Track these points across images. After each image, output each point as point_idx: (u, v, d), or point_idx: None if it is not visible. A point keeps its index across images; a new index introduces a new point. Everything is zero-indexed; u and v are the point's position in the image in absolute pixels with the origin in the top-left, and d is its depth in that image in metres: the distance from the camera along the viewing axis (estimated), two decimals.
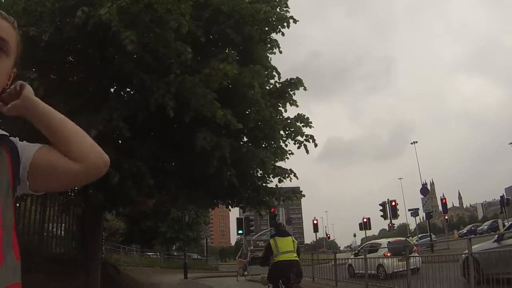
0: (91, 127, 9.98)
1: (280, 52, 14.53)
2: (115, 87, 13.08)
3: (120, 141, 11.42)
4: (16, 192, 1.60)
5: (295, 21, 13.66)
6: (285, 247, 11.29)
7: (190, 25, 10.68)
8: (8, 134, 1.64)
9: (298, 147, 15.14)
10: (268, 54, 14.75)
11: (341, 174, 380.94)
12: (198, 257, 66.69)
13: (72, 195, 13.42)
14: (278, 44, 14.41)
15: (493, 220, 68.95)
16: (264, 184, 15.76)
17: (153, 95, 10.47)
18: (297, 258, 11.63)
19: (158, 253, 53.95)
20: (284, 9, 14.34)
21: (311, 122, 15.08)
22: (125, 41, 9.40)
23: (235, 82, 11.38)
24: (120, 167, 10.68)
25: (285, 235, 11.82)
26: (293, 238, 12.03)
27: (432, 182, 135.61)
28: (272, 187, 16.15)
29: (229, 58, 11.74)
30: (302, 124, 15.03)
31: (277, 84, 14.97)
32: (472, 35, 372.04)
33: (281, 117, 14.96)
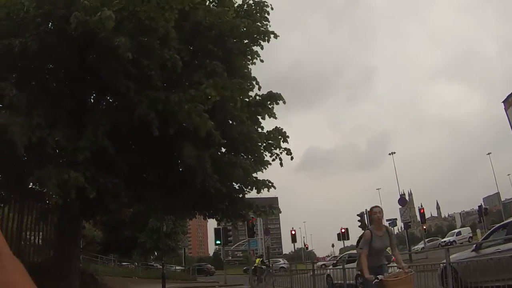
0: (78, 152, 10.07)
1: (262, 61, 14.61)
2: (94, 95, 13.05)
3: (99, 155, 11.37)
4: None
5: (275, 36, 13.77)
6: None
7: (174, 35, 10.74)
8: None
9: (273, 160, 15.22)
10: (248, 65, 14.83)
11: (320, 184, 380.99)
12: (176, 268, 66.16)
13: (49, 203, 13.31)
14: (259, 55, 14.49)
15: (456, 230, 69.59)
16: (241, 196, 15.75)
17: (136, 108, 10.49)
18: None
19: (136, 263, 53.53)
20: (265, 23, 14.46)
21: (288, 136, 15.19)
22: (121, 49, 9.42)
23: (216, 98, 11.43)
24: (97, 181, 10.70)
25: None
26: None
27: (410, 192, 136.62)
28: (249, 199, 16.17)
29: (219, 70, 11.83)
30: (280, 137, 15.12)
31: (257, 96, 15.02)
32: (451, 43, 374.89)
33: (259, 129, 15.03)
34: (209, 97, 10.77)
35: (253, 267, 35.58)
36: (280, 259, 71.70)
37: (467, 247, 14.65)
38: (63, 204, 10.79)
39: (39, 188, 11.92)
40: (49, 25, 10.74)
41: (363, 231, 9.27)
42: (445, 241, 58.06)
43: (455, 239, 57.97)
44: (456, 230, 68.17)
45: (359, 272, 9.71)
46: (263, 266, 33.28)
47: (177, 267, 67.68)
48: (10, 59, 9.75)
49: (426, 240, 59.90)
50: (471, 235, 58.70)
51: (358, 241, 9.52)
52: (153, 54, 10.71)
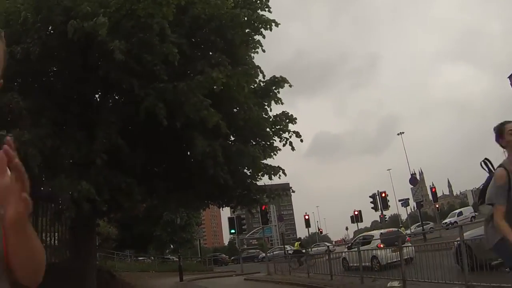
0: (94, 156, 10.16)
1: (263, 51, 14.59)
2: (99, 93, 13.10)
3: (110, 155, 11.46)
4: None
5: (277, 24, 13.73)
6: None
7: (170, 32, 10.75)
8: None
9: (284, 144, 15.26)
10: (251, 54, 14.82)
11: (330, 168, 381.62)
12: (193, 259, 66.33)
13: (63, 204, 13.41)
14: (261, 44, 14.46)
15: (458, 211, 64.66)
16: (254, 182, 15.80)
17: (142, 102, 10.54)
18: None
19: (152, 257, 53.76)
20: (266, 9, 14.42)
21: (295, 118, 15.21)
22: (115, 52, 9.46)
23: (224, 84, 11.43)
24: (111, 182, 10.80)
25: None
26: None
27: (421, 171, 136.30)
28: (261, 185, 16.21)
29: (223, 62, 11.85)
30: (287, 120, 15.14)
31: (261, 83, 15.02)
32: (454, 24, 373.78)
33: (267, 115, 15.05)
34: (216, 82, 10.78)
35: (292, 251, 35.59)
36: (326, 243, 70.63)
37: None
38: (76, 205, 10.86)
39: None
40: (49, 28, 10.79)
41: (496, 170, 5.15)
42: (446, 222, 56.47)
43: (456, 219, 55.18)
44: (457, 211, 63.50)
45: (493, 246, 5.00)
46: (302, 249, 33.42)
47: (193, 258, 67.96)
48: (13, 66, 9.81)
49: (415, 225, 58.56)
50: (473, 214, 54.31)
51: (482, 193, 5.47)
52: (154, 50, 10.75)
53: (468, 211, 58.69)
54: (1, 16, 10.49)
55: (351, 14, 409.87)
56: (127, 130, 11.35)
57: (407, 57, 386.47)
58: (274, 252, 54.98)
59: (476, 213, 50.58)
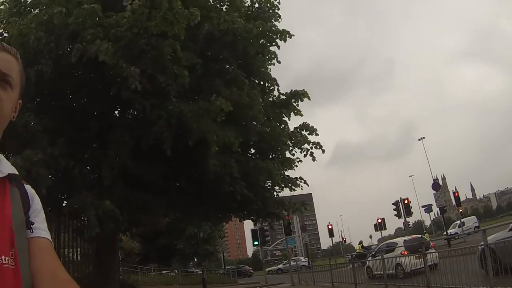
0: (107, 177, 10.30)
1: (279, 62, 14.60)
2: (118, 109, 13.23)
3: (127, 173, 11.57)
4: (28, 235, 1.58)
5: (290, 35, 13.76)
6: None
7: (181, 54, 10.85)
8: (18, 174, 1.65)
9: (305, 156, 15.25)
10: (267, 66, 14.87)
11: (353, 176, 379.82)
12: (217, 271, 66.37)
13: (85, 220, 13.52)
14: (276, 55, 14.48)
15: (459, 222, 53.26)
16: (274, 195, 15.78)
17: (153, 126, 10.67)
18: None
19: (176, 271, 53.86)
20: (278, 19, 14.49)
21: (316, 130, 15.20)
22: (130, 80, 9.58)
23: (235, 104, 11.50)
24: (129, 199, 10.91)
25: None
26: None
27: (443, 176, 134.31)
28: (282, 197, 16.20)
29: (239, 77, 11.96)
30: (308, 132, 15.14)
31: (281, 95, 15.09)
32: (469, 23, 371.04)
33: (286, 127, 15.07)
34: (223, 109, 10.85)
35: (354, 254, 35.57)
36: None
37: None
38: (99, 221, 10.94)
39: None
40: (65, 51, 10.94)
41: None
42: (450, 233, 47.99)
43: (457, 231, 48.50)
44: (458, 222, 54.27)
45: None
46: (365, 251, 33.42)
47: (217, 271, 68.04)
48: (29, 88, 9.97)
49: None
50: (477, 224, 52.58)
51: None
52: (166, 70, 10.84)
53: (471, 221, 55.59)
54: (16, 39, 10.65)
55: (365, 18, 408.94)
56: (140, 148, 11.42)
57: (424, 57, 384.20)
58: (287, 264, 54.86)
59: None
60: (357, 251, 36.15)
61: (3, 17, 11.30)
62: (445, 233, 49.17)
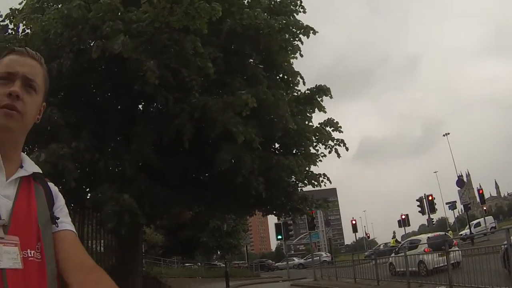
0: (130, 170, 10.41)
1: (301, 55, 14.53)
2: (143, 104, 13.31)
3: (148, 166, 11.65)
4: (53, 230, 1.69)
5: (314, 32, 13.70)
6: None
7: (202, 50, 10.86)
8: (42, 172, 1.76)
9: (329, 152, 15.21)
10: (290, 60, 14.82)
11: (376, 172, 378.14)
12: (239, 264, 66.62)
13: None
14: (299, 49, 14.41)
15: (475, 221, 52.09)
16: (297, 190, 15.75)
17: (175, 119, 10.72)
18: None
19: (199, 263, 54.15)
20: (301, 10, 14.40)
21: (340, 127, 15.15)
22: (148, 73, 9.63)
23: (259, 102, 11.49)
24: (150, 193, 11.00)
25: None
26: None
27: (468, 173, 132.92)
28: (304, 193, 16.16)
29: (259, 75, 11.95)
30: (332, 128, 15.09)
31: (307, 91, 15.05)
32: (493, 17, 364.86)
33: (310, 123, 15.03)
34: (248, 104, 10.83)
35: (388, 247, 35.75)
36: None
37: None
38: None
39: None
40: (86, 45, 11.04)
41: None
42: (461, 234, 45.81)
43: (472, 231, 44.44)
44: (475, 221, 51.89)
45: None
46: (398, 245, 33.58)
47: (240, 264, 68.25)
48: (52, 83, 10.11)
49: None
50: (493, 224, 48.66)
51: None
52: (189, 64, 10.87)
53: (488, 221, 50.48)
54: (38, 35, 10.78)
55: (389, 14, 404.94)
56: (162, 142, 11.50)
57: (447, 53, 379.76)
58: (309, 259, 54.74)
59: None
60: (391, 245, 36.04)
61: (25, 14, 11.42)
62: (462, 232, 47.80)
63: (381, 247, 45.54)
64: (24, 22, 11.48)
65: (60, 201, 1.79)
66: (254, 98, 10.92)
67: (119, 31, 9.82)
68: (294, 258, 71.68)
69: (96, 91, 12.84)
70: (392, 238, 40.35)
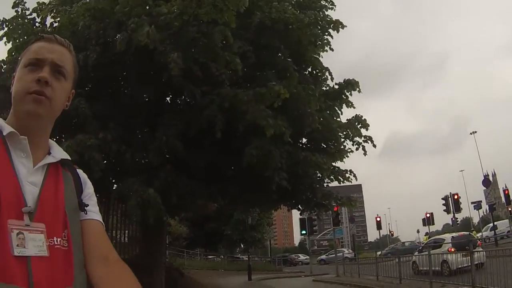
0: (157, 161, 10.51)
1: (332, 49, 14.47)
2: (170, 96, 13.40)
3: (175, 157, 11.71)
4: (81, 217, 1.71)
5: (343, 26, 13.64)
6: None
7: (232, 41, 10.86)
8: (70, 159, 1.78)
9: (357, 149, 15.17)
10: (320, 53, 14.75)
11: (402, 169, 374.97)
12: (262, 259, 66.69)
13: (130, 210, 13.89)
14: (329, 43, 14.35)
15: (491, 224, 47.13)
16: (323, 186, 15.74)
17: (204, 110, 10.76)
18: None
19: (222, 256, 54.43)
20: (331, 6, 14.35)
21: (368, 124, 15.08)
22: (171, 64, 9.67)
23: (290, 95, 11.47)
24: (177, 185, 11.09)
25: None
26: None
27: (494, 173, 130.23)
28: (330, 189, 16.13)
29: (289, 68, 11.95)
30: (360, 125, 15.04)
31: (335, 85, 15.00)
32: None
33: (338, 119, 14.99)
34: (280, 95, 10.81)
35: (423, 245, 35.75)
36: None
37: None
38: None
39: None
40: (113, 38, 11.14)
41: None
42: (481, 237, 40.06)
43: (488, 234, 43.50)
44: (490, 224, 47.78)
45: None
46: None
47: (263, 258, 68.31)
48: (79, 74, 10.23)
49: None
50: (509, 228, 44.86)
51: None
52: (218, 58, 10.89)
53: (504, 225, 48.29)
54: (67, 28, 10.90)
55: (417, 11, 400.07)
56: (188, 133, 11.54)
57: (477, 50, 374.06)
58: (330, 255, 54.67)
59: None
60: (424, 243, 35.86)
61: (53, 6, 11.56)
62: (484, 233, 46.10)
63: (401, 245, 45.20)
64: (51, 14, 11.61)
65: (89, 188, 1.80)
66: (286, 89, 10.90)
67: (147, 24, 9.87)
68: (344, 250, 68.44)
69: (123, 83, 12.96)
70: (425, 236, 40.03)
